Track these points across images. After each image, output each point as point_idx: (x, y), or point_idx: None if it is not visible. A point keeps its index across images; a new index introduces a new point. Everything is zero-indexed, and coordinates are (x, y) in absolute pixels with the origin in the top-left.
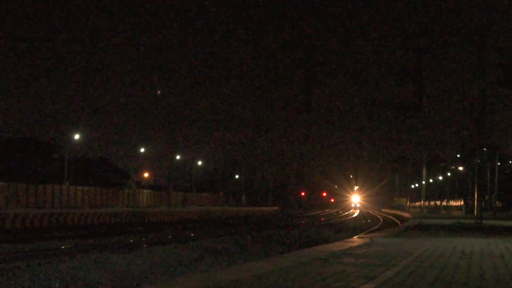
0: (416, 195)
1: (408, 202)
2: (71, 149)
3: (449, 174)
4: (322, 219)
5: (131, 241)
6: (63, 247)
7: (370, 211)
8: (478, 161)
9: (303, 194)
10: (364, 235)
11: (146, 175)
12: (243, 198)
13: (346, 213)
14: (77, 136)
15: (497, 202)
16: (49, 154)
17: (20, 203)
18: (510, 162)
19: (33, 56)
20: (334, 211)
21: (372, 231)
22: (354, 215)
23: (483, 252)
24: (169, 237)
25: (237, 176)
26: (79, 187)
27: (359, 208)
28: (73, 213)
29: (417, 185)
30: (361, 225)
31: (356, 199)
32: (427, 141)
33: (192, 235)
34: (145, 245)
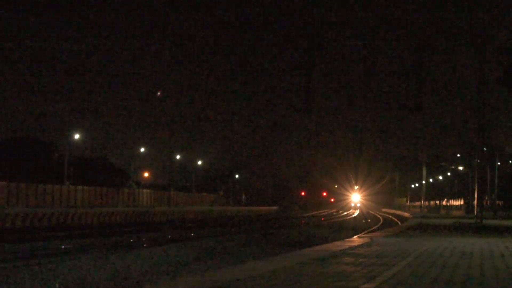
0: (416, 194)
1: (408, 202)
2: (71, 149)
3: (449, 174)
4: (322, 218)
5: (131, 241)
6: (63, 247)
7: (370, 211)
8: (478, 161)
9: (303, 193)
10: (364, 235)
11: (146, 175)
12: (243, 198)
13: (346, 213)
14: (77, 136)
15: (497, 202)
16: (49, 154)
17: (20, 203)
18: (510, 162)
19: (33, 56)
20: (334, 210)
21: (372, 231)
22: (354, 215)
23: (483, 252)
24: (169, 237)
25: (237, 176)
26: (79, 187)
27: (359, 207)
28: (73, 213)
29: (417, 184)
30: (361, 224)
31: (356, 199)
32: (427, 141)
33: (192, 235)
34: (145, 245)
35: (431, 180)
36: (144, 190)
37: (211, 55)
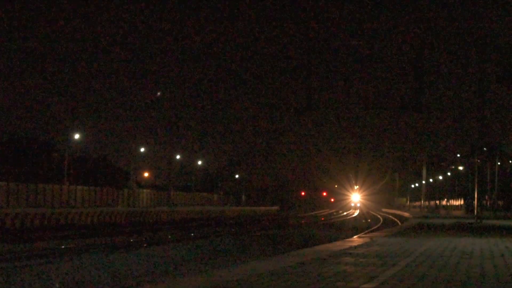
0: (416, 194)
1: (408, 202)
2: (71, 149)
3: (449, 174)
4: (322, 218)
5: (131, 241)
6: (63, 247)
7: (370, 211)
8: (478, 161)
9: (303, 193)
10: (364, 235)
11: (146, 175)
12: (243, 198)
13: (346, 213)
14: (77, 136)
15: (497, 202)
16: (49, 154)
17: (20, 203)
18: (510, 162)
19: (34, 56)
20: (334, 210)
21: (372, 231)
22: (354, 215)
23: (483, 252)
24: (169, 237)
25: (237, 176)
26: (79, 187)
27: (359, 207)
28: (73, 213)
29: (417, 184)
30: (361, 224)
31: (356, 199)
32: (427, 141)
33: (192, 235)
34: (145, 245)
35: (431, 180)
36: (144, 190)
37: (212, 55)
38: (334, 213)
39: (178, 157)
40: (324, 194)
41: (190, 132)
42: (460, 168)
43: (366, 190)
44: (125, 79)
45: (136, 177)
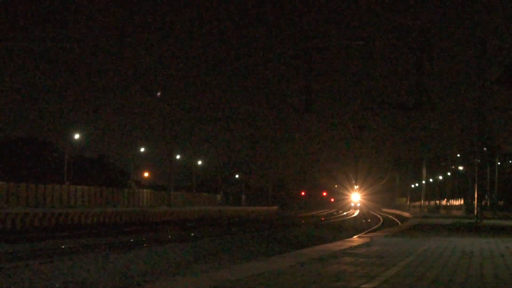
0: (416, 194)
1: (408, 202)
2: (71, 149)
3: (449, 174)
4: (322, 218)
5: (131, 241)
6: (63, 247)
7: (370, 211)
8: (478, 161)
9: (303, 193)
10: (364, 235)
11: (146, 175)
12: (243, 197)
13: (346, 213)
14: (77, 136)
15: (498, 202)
16: (49, 154)
17: (20, 203)
18: (510, 162)
19: (33, 56)
20: (334, 210)
21: (372, 231)
22: (354, 215)
23: (483, 252)
24: (169, 237)
25: (237, 176)
26: (79, 187)
27: (359, 207)
28: (73, 213)
29: (417, 184)
30: (361, 224)
31: (356, 199)
32: (427, 140)
33: (192, 235)
34: (145, 245)
35: (431, 180)
36: (144, 190)
37: (211, 54)
38: (334, 213)
39: (178, 157)
40: (324, 194)
41: (190, 132)
42: (460, 168)
43: (366, 190)
44: (126, 78)
45: (136, 177)
